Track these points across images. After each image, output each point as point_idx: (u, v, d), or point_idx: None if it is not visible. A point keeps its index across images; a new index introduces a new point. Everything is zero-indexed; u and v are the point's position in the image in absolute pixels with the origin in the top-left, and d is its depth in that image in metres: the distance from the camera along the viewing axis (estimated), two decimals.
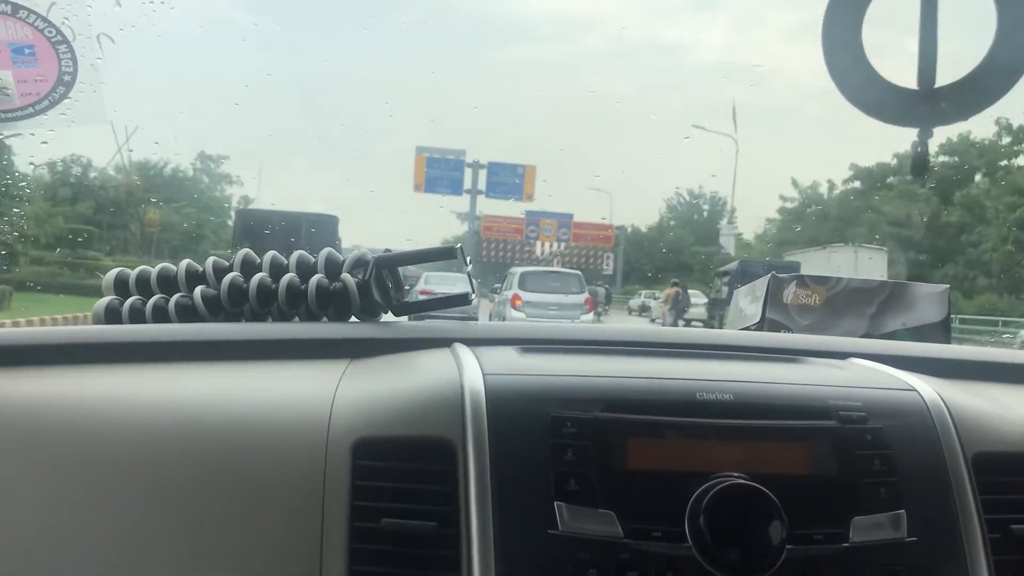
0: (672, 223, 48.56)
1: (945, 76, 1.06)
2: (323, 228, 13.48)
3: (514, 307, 16.52)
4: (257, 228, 13.37)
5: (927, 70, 1.02)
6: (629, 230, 45.14)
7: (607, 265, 38.04)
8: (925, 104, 1.02)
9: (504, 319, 15.64)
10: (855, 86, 1.04)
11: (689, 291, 21.27)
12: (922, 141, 1.09)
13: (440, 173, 34.39)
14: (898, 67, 1.08)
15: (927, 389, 0.96)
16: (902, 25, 1.06)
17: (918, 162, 1.13)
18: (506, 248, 39.10)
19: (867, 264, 20.49)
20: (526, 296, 17.03)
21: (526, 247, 38.84)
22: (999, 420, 0.98)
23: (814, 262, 21.44)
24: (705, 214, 49.93)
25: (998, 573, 0.86)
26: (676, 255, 42.89)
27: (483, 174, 35.59)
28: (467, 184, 35.73)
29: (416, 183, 34.06)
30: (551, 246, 39.18)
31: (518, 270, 19.01)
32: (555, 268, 24.09)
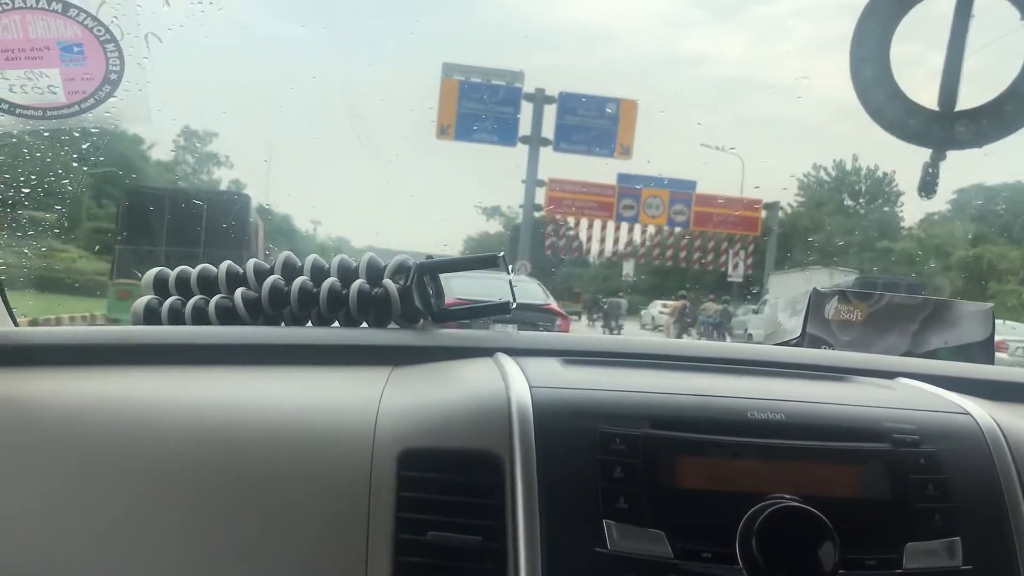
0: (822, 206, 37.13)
1: (967, 100, 1.04)
2: (232, 208, 11.52)
3: None
4: (150, 209, 11.18)
5: (949, 93, 1.02)
6: (789, 210, 32.52)
7: (734, 268, 25.59)
8: (943, 127, 1.01)
9: None
10: (877, 101, 1.03)
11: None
12: (934, 162, 1.09)
13: (481, 108, 22.38)
14: (922, 84, 1.06)
15: (980, 412, 0.95)
16: (931, 40, 1.04)
17: (927, 182, 1.12)
18: (581, 234, 26.06)
19: (841, 283, 19.87)
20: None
21: (615, 232, 25.46)
22: None
23: (796, 282, 21.08)
24: (862, 195, 39.74)
25: None
26: (838, 252, 32.14)
27: (550, 113, 22.85)
28: (524, 128, 22.97)
29: (442, 124, 21.80)
30: (655, 232, 26.21)
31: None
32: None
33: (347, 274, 1.25)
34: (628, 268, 29.36)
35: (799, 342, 1.64)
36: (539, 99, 23.35)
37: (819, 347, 1.58)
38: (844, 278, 20.80)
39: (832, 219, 35.96)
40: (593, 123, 23.26)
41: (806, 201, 37.41)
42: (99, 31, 1.28)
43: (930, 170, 1.09)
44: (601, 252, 27.08)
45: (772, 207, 27.96)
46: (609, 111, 23.25)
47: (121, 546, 0.85)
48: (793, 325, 1.71)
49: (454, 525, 0.81)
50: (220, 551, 0.84)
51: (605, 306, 23.16)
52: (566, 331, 9.91)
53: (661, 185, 25.36)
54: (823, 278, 20.28)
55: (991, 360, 1.65)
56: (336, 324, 1.25)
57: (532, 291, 11.27)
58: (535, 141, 23.39)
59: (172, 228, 10.83)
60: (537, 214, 26.03)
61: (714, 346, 1.35)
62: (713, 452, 0.85)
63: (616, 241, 26.68)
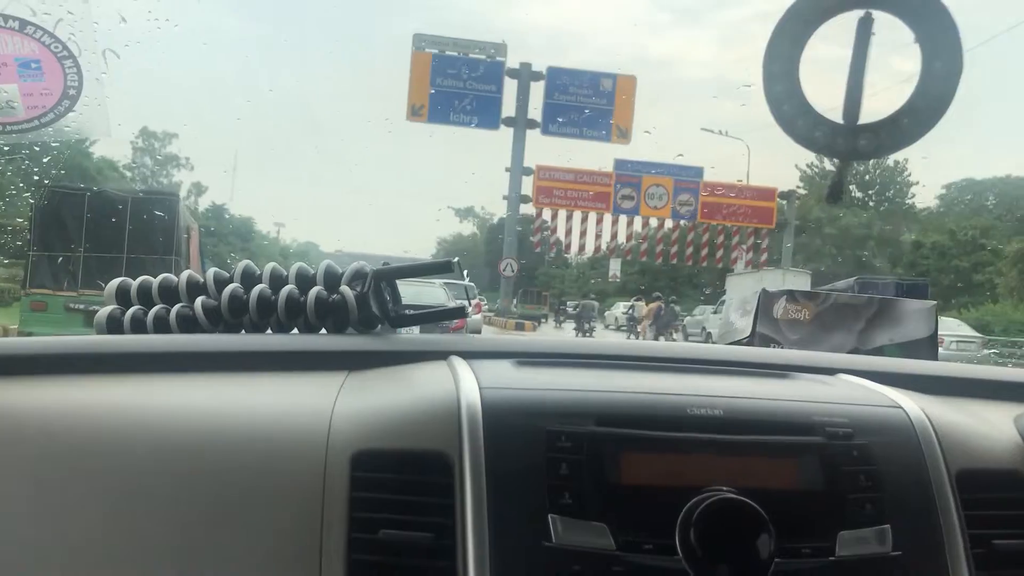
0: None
1: (870, 114, 1.10)
2: (158, 210, 10.44)
3: None
4: (66, 212, 10.22)
5: (852, 107, 1.07)
6: (805, 195, 30.30)
7: (739, 264, 23.33)
8: (847, 139, 1.07)
9: None
10: (788, 115, 1.08)
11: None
12: (839, 172, 1.14)
13: (458, 86, 20.13)
14: (832, 97, 1.11)
15: (912, 406, 0.99)
16: (839, 57, 1.09)
17: (834, 190, 1.18)
18: (575, 228, 23.06)
19: (795, 286, 19.29)
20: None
21: (611, 226, 23.03)
22: (983, 437, 1.00)
23: (749, 283, 20.77)
24: (872, 186, 38.61)
25: None
26: (857, 246, 31.30)
27: (538, 91, 20.77)
28: (508, 109, 20.96)
29: (413, 104, 19.80)
30: (658, 225, 23.49)
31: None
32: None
33: (305, 282, 1.28)
34: (615, 267, 27.38)
35: (749, 341, 1.69)
36: (524, 75, 20.89)
37: (768, 346, 1.63)
38: (796, 279, 20.41)
39: (849, 210, 33.74)
40: (586, 102, 20.95)
41: (810, 193, 34.73)
42: (56, 48, 1.30)
43: (836, 179, 1.16)
44: (598, 248, 24.10)
45: (789, 196, 25.85)
46: (604, 88, 20.93)
47: (77, 551, 0.86)
48: (744, 325, 1.76)
49: (406, 523, 0.84)
50: (176, 554, 0.86)
51: (572, 309, 22.74)
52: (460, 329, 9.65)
53: (664, 172, 22.76)
54: (776, 279, 20.01)
55: (935, 356, 1.71)
56: (295, 331, 1.28)
57: (434, 294, 11.13)
58: (521, 123, 21.06)
59: (92, 232, 10.10)
60: (524, 207, 23.23)
61: (660, 346, 1.40)
62: (655, 447, 0.89)
63: (615, 236, 23.49)
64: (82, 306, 9.63)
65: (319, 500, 0.86)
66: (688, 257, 24.26)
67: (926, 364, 1.38)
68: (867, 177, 38.67)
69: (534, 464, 0.86)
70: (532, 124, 21.55)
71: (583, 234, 23.76)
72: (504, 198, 22.89)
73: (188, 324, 1.25)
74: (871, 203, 37.73)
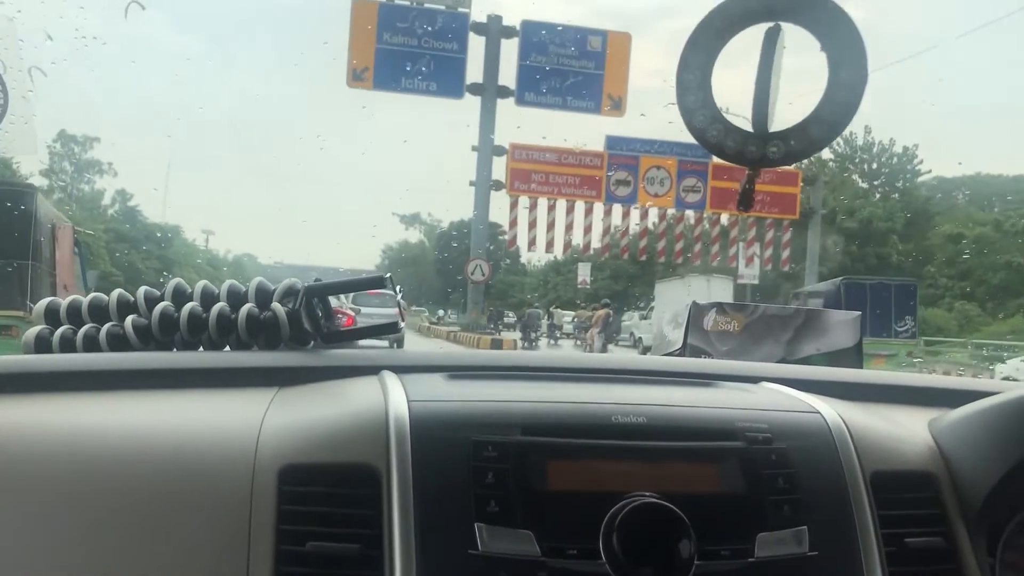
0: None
1: (781, 122, 1.14)
2: (10, 204, 8.77)
3: None
4: None
5: (760, 116, 1.11)
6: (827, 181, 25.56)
7: (747, 263, 19.45)
8: (757, 147, 1.11)
9: None
10: (700, 124, 1.12)
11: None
12: (749, 179, 1.19)
13: (410, 44, 15.78)
14: (746, 107, 1.14)
15: (829, 411, 1.02)
16: (751, 67, 1.13)
17: (744, 197, 1.23)
18: (558, 221, 18.73)
19: (718, 290, 19.26)
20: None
21: (605, 217, 18.93)
22: (896, 440, 1.05)
23: (676, 289, 20.03)
24: (879, 174, 34.57)
25: None
26: (880, 242, 28.78)
27: (511, 51, 16.62)
28: (474, 73, 16.69)
29: (355, 67, 15.69)
30: (660, 216, 19.26)
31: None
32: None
33: (236, 299, 1.28)
34: (584, 272, 24.08)
35: (681, 353, 1.73)
36: (494, 31, 16.20)
37: (699, 357, 1.67)
38: (719, 284, 19.49)
39: (866, 200, 30.46)
40: (571, 65, 16.61)
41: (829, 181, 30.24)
42: None
43: (747, 186, 1.20)
44: (588, 245, 20.40)
45: (813, 181, 21.53)
46: (593, 47, 16.49)
47: (10, 574, 0.86)
48: (676, 337, 1.80)
49: (334, 535, 0.85)
50: (105, 572, 0.86)
51: (508, 318, 22.25)
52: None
53: (667, 151, 18.53)
54: (701, 284, 18.59)
55: (859, 364, 1.76)
56: (227, 348, 1.28)
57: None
58: (490, 91, 16.74)
59: None
60: (496, 194, 18.66)
61: (592, 357, 1.43)
62: (579, 455, 0.91)
63: (607, 230, 19.53)
64: None
65: (246, 514, 0.87)
66: (695, 255, 20.88)
67: (845, 372, 1.43)
68: (874, 166, 35.53)
69: (461, 474, 0.87)
70: (504, 92, 17.40)
71: (569, 228, 19.42)
72: (471, 184, 18.33)
73: (119, 343, 1.25)
74: (878, 194, 34.82)
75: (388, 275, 1.32)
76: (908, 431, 1.08)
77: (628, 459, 0.92)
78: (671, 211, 19.65)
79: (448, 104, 16.83)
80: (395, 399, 0.95)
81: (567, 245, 20.16)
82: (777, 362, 1.64)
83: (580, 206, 19.36)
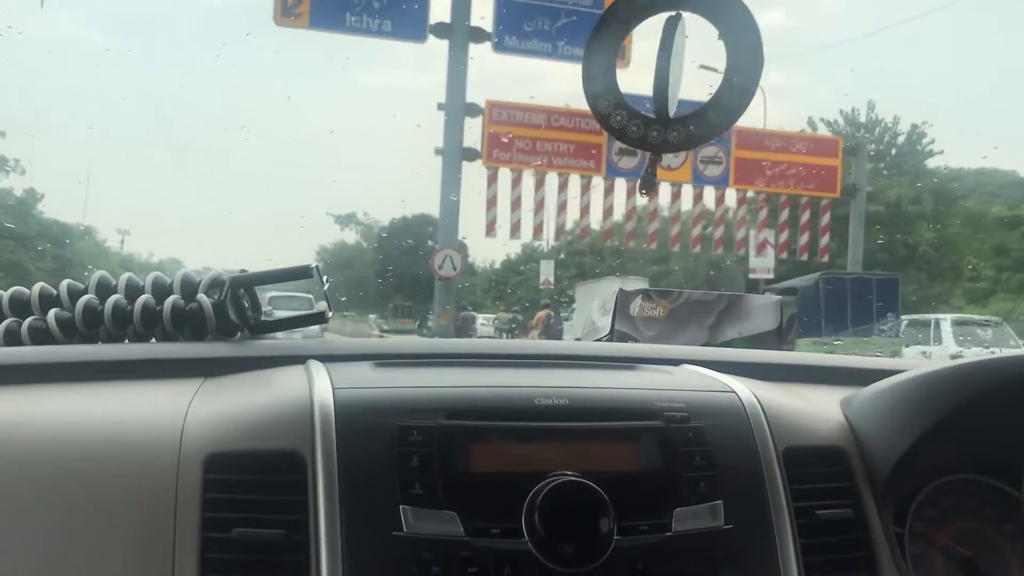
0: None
1: (682, 108, 1.19)
2: None
3: None
4: None
5: (661, 102, 1.14)
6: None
7: (759, 251, 15.79)
8: (658, 132, 1.14)
9: None
10: (605, 110, 1.16)
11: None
12: (651, 163, 1.24)
13: None
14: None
15: (744, 390, 1.06)
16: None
17: (646, 181, 1.29)
18: (550, 201, 15.10)
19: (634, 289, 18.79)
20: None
21: (607, 196, 15.36)
22: (808, 417, 1.09)
23: (593, 291, 18.47)
24: (886, 156, 31.51)
25: (804, 554, 0.96)
26: (908, 229, 25.12)
27: None
28: (440, 12, 13.24)
29: (291, 7, 12.32)
30: (674, 193, 15.81)
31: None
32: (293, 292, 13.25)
33: (161, 291, 1.28)
34: (547, 271, 20.83)
35: (609, 338, 1.77)
36: None
37: (626, 342, 1.72)
38: (636, 285, 17.59)
39: (890, 178, 26.75)
40: (563, 0, 13.13)
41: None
42: None
43: (648, 170, 1.25)
44: (586, 231, 17.05)
45: (856, 151, 17.73)
46: None
47: None
48: (604, 323, 1.84)
49: (260, 521, 0.86)
50: (29, 564, 0.86)
51: (450, 322, 22.29)
52: None
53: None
54: (615, 284, 15.44)
55: (780, 346, 1.82)
56: (153, 340, 1.28)
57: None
58: (461, 32, 13.37)
59: None
60: (468, 164, 14.54)
61: (513, 344, 1.46)
62: (502, 437, 0.94)
63: (609, 211, 15.94)
64: None
65: (172, 504, 0.88)
66: (718, 243, 16.85)
67: (763, 353, 1.48)
68: (880, 148, 32.43)
69: (386, 459, 0.89)
70: (479, 35, 13.59)
71: (562, 209, 15.68)
72: (437, 152, 14.15)
73: (42, 337, 1.24)
74: (884, 174, 30.69)
75: (315, 264, 1.34)
76: (820, 409, 1.13)
77: (550, 440, 0.95)
78: (715, 184, 16.00)
79: (406, 49, 13.13)
80: (320, 386, 0.96)
81: (560, 230, 16.70)
82: (702, 346, 1.70)
83: (575, 180, 15.74)
